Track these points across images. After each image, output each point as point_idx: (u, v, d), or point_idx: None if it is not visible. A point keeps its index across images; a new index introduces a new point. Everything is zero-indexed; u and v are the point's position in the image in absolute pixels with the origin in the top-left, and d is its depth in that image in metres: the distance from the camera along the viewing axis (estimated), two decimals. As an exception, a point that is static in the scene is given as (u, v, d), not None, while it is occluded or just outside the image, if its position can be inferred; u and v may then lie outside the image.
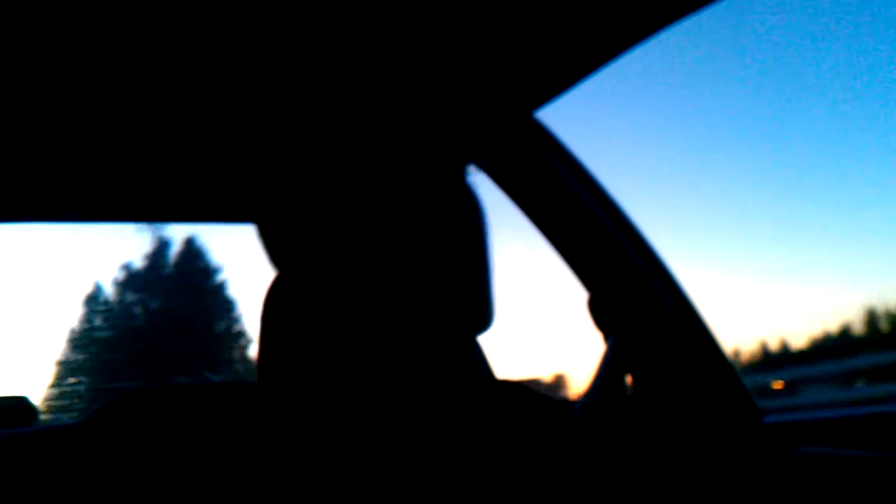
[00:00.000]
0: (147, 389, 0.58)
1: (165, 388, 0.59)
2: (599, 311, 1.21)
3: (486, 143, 0.63)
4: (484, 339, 0.63)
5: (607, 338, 1.21)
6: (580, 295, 1.23)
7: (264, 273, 0.62)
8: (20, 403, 1.25)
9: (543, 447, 0.61)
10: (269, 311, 0.60)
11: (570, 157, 1.17)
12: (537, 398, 0.67)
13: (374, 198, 0.57)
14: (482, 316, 0.59)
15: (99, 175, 1.16)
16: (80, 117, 0.97)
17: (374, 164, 0.58)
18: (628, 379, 1.21)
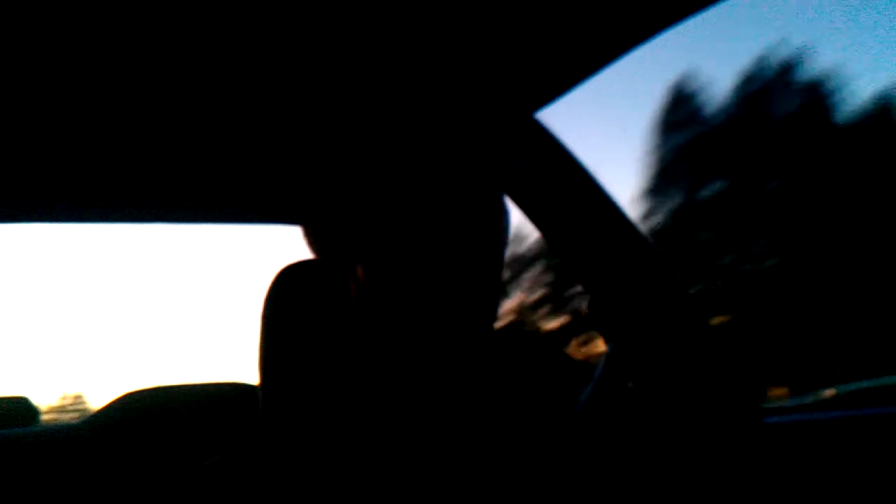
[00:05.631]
0: (148, 389, 0.58)
1: (166, 388, 0.58)
2: (600, 313, 1.21)
3: (486, 144, 0.62)
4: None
5: (608, 340, 1.21)
6: (581, 295, 1.23)
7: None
8: (21, 404, 1.25)
9: (546, 450, 0.61)
10: (274, 308, 0.60)
11: (571, 158, 1.17)
12: (555, 358, 0.67)
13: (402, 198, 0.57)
14: (485, 324, 0.59)
15: (133, 176, 1.15)
16: (114, 119, 0.97)
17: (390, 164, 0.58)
18: (629, 380, 1.21)
